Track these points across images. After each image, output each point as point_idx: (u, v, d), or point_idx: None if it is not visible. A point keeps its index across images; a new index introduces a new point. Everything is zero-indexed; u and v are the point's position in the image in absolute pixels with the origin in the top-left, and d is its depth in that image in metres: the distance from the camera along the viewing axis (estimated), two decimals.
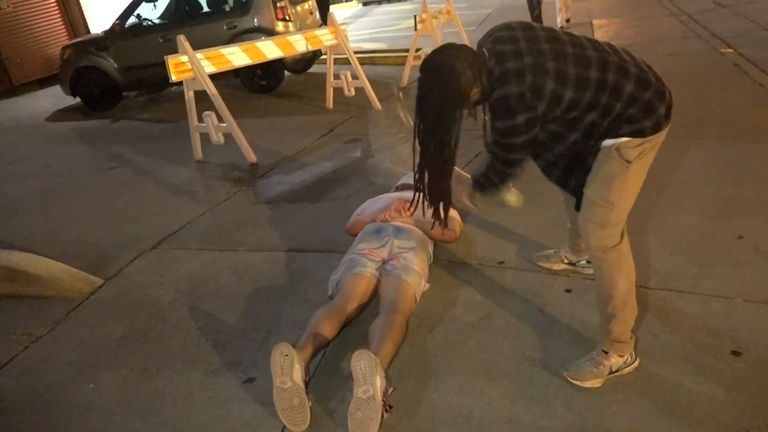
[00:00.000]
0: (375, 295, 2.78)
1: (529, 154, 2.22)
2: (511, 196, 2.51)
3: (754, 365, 2.25)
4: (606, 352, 2.27)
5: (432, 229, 3.07)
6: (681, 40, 8.51)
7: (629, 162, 2.06)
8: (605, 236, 2.17)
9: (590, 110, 2.04)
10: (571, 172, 2.33)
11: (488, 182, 2.34)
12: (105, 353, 2.85)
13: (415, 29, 7.90)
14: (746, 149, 4.32)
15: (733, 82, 6.17)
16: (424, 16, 7.75)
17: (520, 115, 1.98)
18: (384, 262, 2.87)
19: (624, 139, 2.05)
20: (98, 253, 3.93)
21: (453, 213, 3.38)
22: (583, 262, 2.98)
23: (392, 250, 2.91)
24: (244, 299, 3.16)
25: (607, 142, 2.09)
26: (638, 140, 2.04)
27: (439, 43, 7.93)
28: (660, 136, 2.09)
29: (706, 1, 11.56)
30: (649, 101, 2.02)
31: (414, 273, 2.79)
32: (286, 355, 2.22)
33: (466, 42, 8.92)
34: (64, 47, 9.08)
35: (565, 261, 3.04)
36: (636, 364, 2.30)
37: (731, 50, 7.55)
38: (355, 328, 2.68)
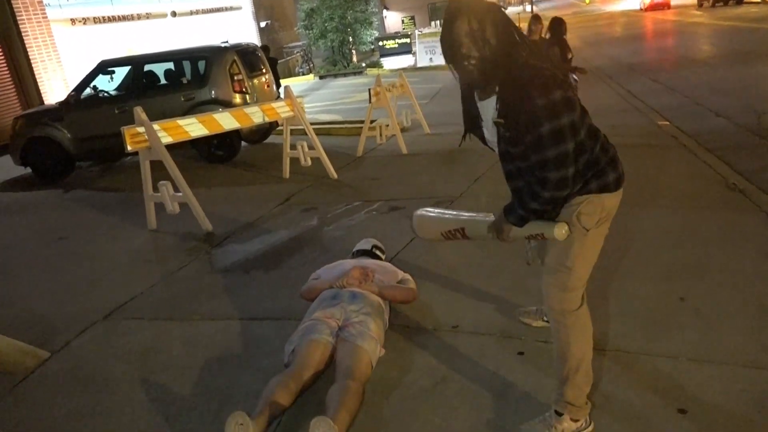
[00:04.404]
0: (331, 361, 2.77)
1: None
2: (558, 229, 2.09)
3: (699, 423, 2.32)
4: (560, 415, 2.30)
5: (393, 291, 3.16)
6: (622, 113, 8.98)
7: (587, 230, 2.16)
8: (565, 300, 2.25)
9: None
10: None
11: (527, 212, 2.14)
12: None
13: (370, 102, 8.14)
14: (685, 216, 4.54)
15: (670, 152, 6.52)
16: (378, 89, 8.01)
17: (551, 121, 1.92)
18: (340, 328, 2.88)
19: (585, 199, 2.14)
20: (45, 326, 3.81)
21: (408, 276, 3.44)
22: None
23: (348, 316, 2.93)
24: (196, 370, 3.09)
25: (570, 208, 2.15)
26: (598, 206, 2.14)
27: (393, 114, 8.19)
28: (615, 202, 2.19)
29: (642, 78, 12.31)
30: (614, 156, 2.17)
31: (370, 339, 2.80)
32: (241, 424, 2.18)
33: (420, 114, 9.22)
34: (17, 117, 9.01)
35: (545, 319, 3.03)
36: (590, 429, 2.32)
37: (667, 122, 8.01)
38: (312, 396, 2.65)
